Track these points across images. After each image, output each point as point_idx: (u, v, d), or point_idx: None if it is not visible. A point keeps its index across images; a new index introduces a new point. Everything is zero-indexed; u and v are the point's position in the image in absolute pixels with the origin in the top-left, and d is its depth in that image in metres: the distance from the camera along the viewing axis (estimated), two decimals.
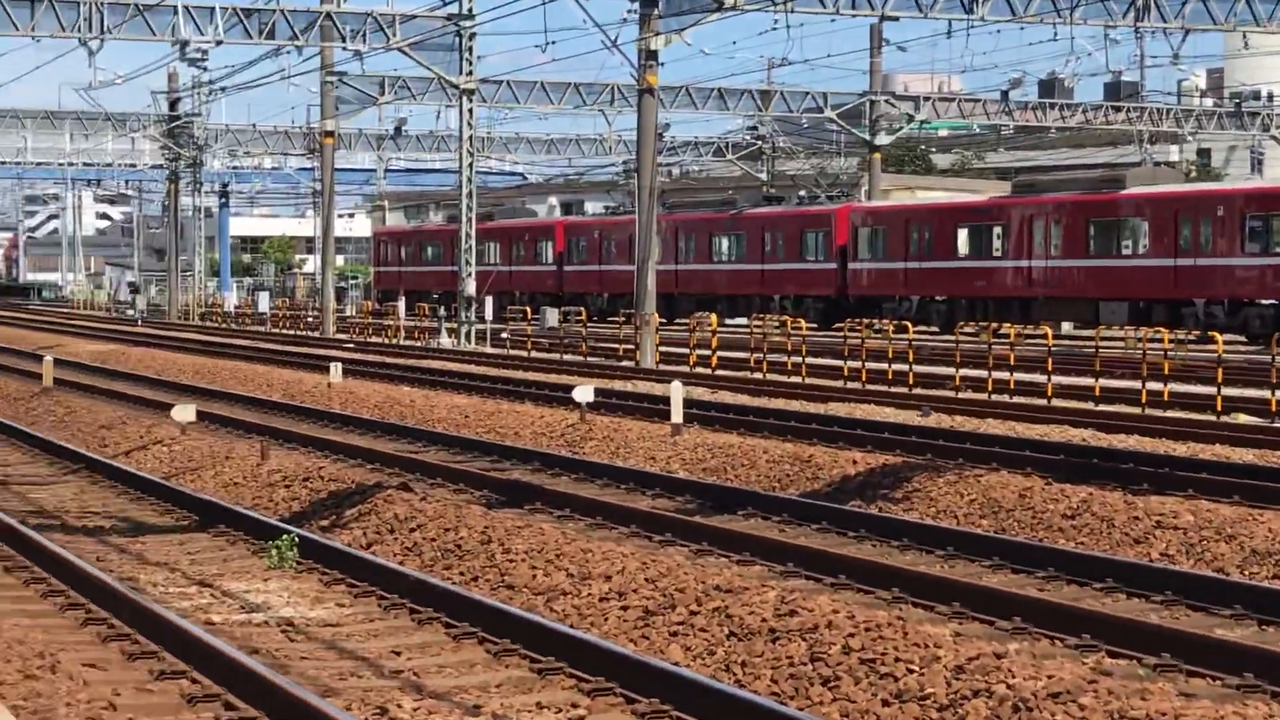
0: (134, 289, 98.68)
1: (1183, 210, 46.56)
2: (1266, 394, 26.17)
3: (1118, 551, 15.12)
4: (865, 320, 38.80)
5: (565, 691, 10.56)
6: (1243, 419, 24.75)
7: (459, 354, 44.83)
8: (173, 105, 75.11)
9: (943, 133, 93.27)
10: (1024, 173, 73.87)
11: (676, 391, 23.99)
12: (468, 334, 49.25)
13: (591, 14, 47.85)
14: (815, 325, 52.46)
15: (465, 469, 20.91)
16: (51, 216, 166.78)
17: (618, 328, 44.35)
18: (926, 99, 67.27)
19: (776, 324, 41.56)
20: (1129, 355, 32.49)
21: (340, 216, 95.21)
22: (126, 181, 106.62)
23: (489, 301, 52.35)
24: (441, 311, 54.44)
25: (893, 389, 30.65)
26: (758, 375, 34.88)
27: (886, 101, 65.30)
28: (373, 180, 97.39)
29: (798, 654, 10.76)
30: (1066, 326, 50.08)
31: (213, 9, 45.17)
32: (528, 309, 52.82)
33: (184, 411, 24.53)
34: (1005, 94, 64.63)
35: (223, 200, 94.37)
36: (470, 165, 50.11)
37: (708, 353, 38.28)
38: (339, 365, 35.08)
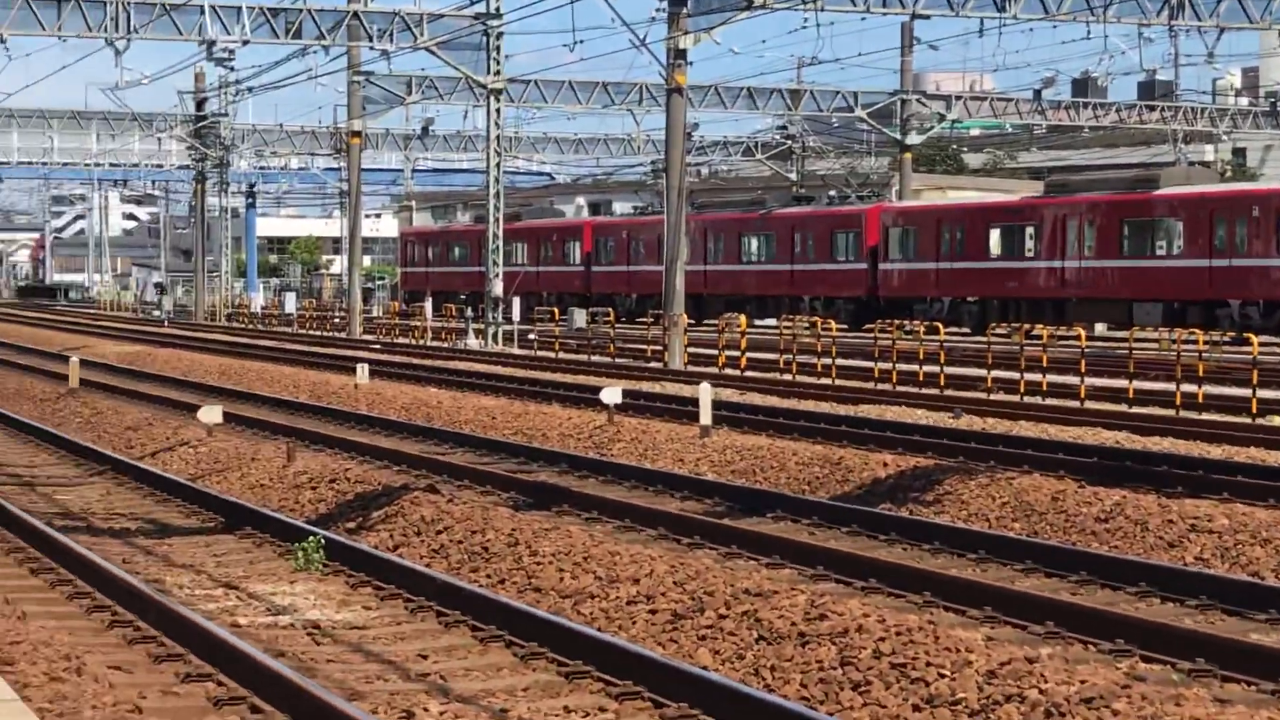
0: (160, 290, 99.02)
1: (1218, 210, 46.40)
2: None
3: (1152, 555, 15.06)
4: (896, 321, 38.73)
5: (593, 695, 10.55)
6: (1278, 421, 24.64)
7: (486, 355, 44.87)
8: (199, 105, 75.33)
9: (974, 132, 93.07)
10: (1057, 173, 73.66)
11: (705, 393, 23.97)
12: (495, 335, 49.29)
13: (620, 12, 47.93)
14: (845, 326, 52.37)
15: (492, 471, 20.93)
16: (78, 217, 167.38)
17: (646, 329, 44.35)
18: (958, 98, 67.13)
19: (806, 325, 41.51)
20: (1163, 357, 32.38)
21: (367, 217, 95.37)
22: (153, 182, 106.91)
23: (516, 302, 52.40)
24: (469, 312, 54.49)
25: (924, 391, 30.58)
26: (787, 377, 34.84)
27: (918, 100, 65.19)
28: (400, 180, 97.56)
29: (828, 658, 10.74)
30: (1100, 328, 49.91)
31: (239, 8, 45.29)
32: (555, 310, 52.86)
33: (210, 413, 24.60)
34: (1038, 93, 64.48)
35: (249, 201, 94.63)
36: (498, 165, 50.16)
37: (737, 354, 38.24)
38: (366, 366, 35.14)
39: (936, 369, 31.92)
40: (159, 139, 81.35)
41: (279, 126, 79.66)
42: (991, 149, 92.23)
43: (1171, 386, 27.33)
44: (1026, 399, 28.68)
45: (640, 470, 20.92)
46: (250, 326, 71.45)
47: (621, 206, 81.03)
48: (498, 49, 48.95)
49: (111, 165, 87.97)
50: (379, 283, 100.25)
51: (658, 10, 40.80)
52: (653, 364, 39.90)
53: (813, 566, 14.50)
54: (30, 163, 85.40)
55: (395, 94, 59.71)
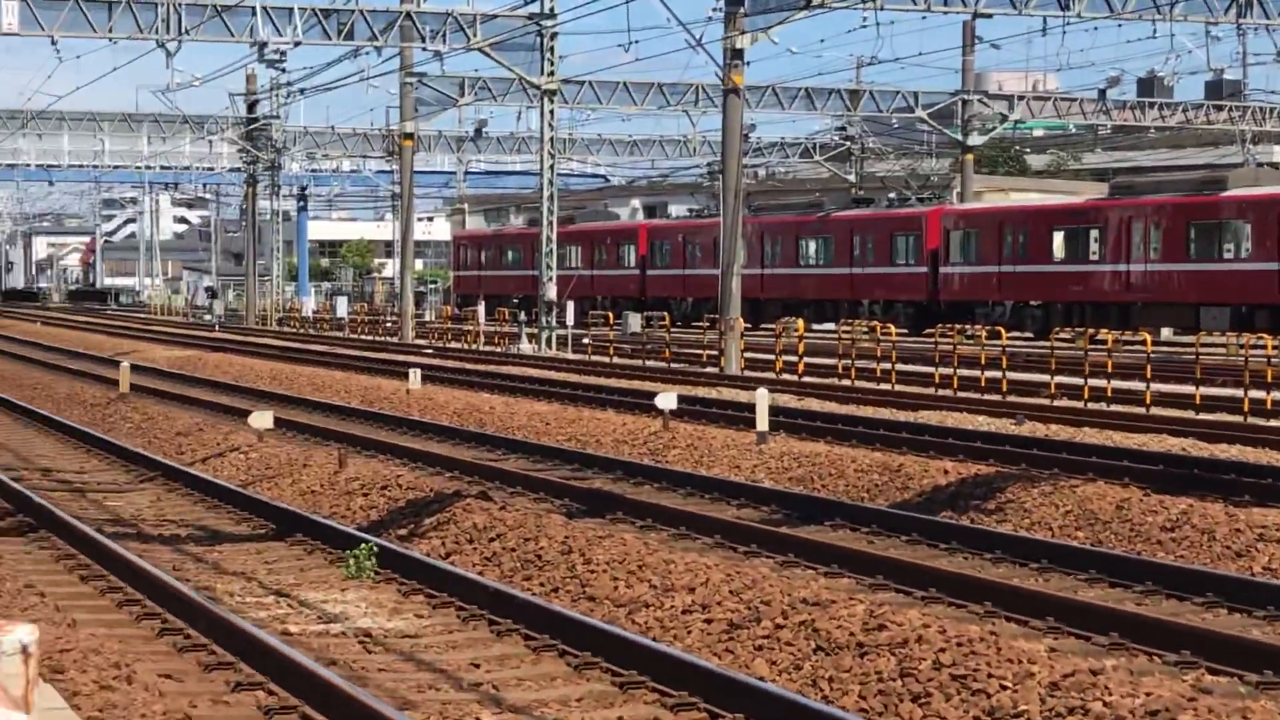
0: (211, 294, 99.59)
1: None
2: None
3: (1219, 565, 14.96)
4: (957, 326, 38.59)
5: (648, 707, 10.56)
6: None
7: (539, 360, 44.95)
8: (251, 107, 75.74)
9: (1038, 133, 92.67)
10: (1122, 174, 73.28)
11: (762, 399, 23.95)
12: (548, 339, 49.37)
13: (675, 12, 47.88)
14: (905, 331, 52.24)
15: (545, 477, 20.96)
16: (129, 220, 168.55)
17: (702, 333, 44.34)
18: (1021, 98, 66.87)
19: (865, 329, 41.41)
20: (1231, 362, 32.16)
21: (419, 220, 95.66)
22: (204, 185, 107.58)
23: (570, 306, 52.46)
24: (522, 316, 54.61)
25: (986, 397, 30.47)
26: (846, 382, 34.77)
27: (979, 101, 64.96)
28: (452, 183, 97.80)
29: (887, 669, 10.72)
30: (1166, 332, 49.61)
31: (291, 10, 45.51)
32: (610, 314, 52.90)
33: (261, 418, 24.73)
34: (1103, 93, 64.15)
35: (301, 203, 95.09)
36: (551, 167, 50.25)
37: (794, 359, 38.19)
38: (418, 371, 35.25)
39: (999, 374, 31.80)
40: (210, 141, 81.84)
41: (331, 129, 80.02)
42: (1055, 150, 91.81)
43: (1239, 392, 27.14)
44: (1091, 405, 28.55)
45: (696, 477, 20.92)
46: (301, 331, 71.79)
47: (677, 209, 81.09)
48: (552, 49, 49.04)
49: (162, 168, 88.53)
50: (431, 286, 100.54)
51: (714, 10, 40.81)
52: (708, 369, 39.88)
53: (872, 576, 14.47)
54: (81, 166, 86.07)
55: (448, 95, 59.89)
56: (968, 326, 40.99)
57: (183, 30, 45.02)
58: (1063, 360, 32.26)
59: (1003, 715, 9.73)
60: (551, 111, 50.11)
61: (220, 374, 42.04)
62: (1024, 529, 17.10)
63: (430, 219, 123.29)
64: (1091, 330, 36.25)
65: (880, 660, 10.85)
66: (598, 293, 71.77)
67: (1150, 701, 9.39)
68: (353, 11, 46.58)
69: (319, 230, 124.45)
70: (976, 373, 32.66)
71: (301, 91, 66.14)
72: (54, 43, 44.51)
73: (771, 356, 39.87)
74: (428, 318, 74.84)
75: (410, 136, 60.79)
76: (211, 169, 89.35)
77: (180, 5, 44.82)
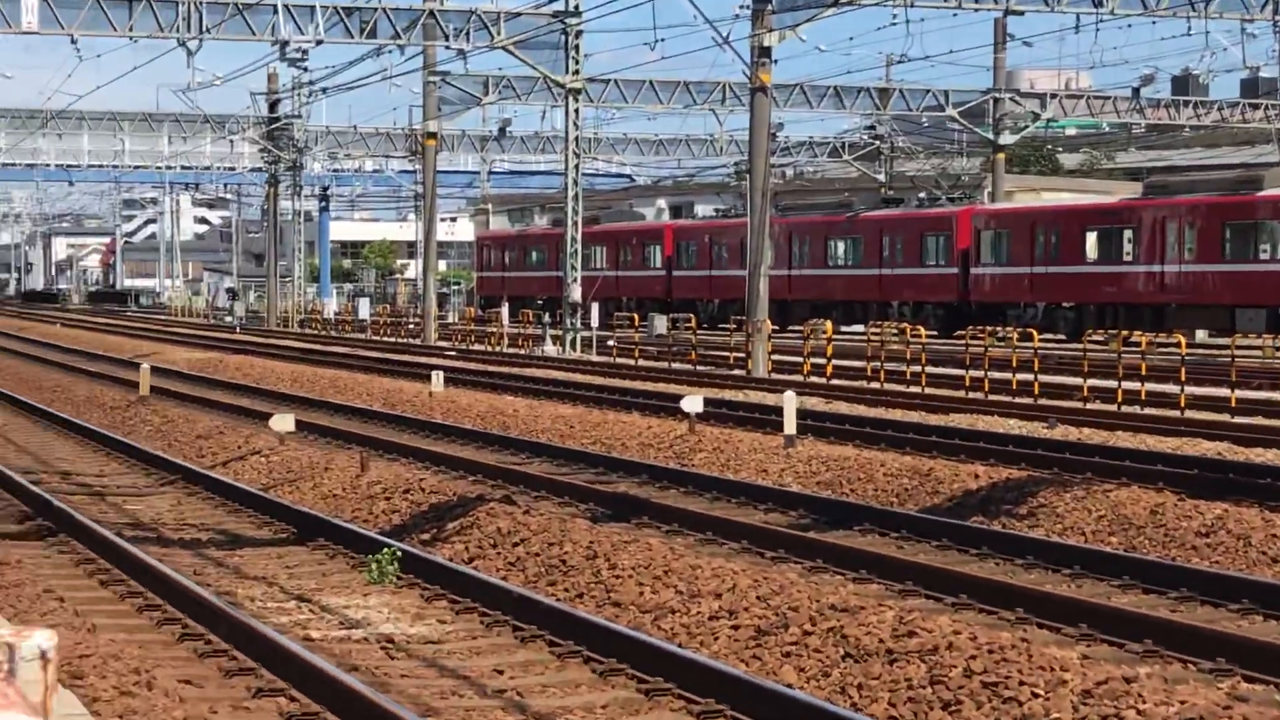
0: (232, 295, 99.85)
1: None
2: None
3: (1255, 571, 14.91)
4: (988, 328, 38.53)
5: (673, 714, 10.56)
6: None
7: (564, 362, 44.98)
8: (272, 107, 75.93)
9: (1070, 131, 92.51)
10: (1156, 173, 73.09)
11: (790, 402, 23.94)
12: (573, 341, 49.40)
13: (702, 9, 47.89)
14: (935, 333, 52.18)
15: (570, 481, 20.97)
16: (149, 221, 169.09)
17: (728, 335, 44.33)
18: (1053, 96, 66.75)
19: (895, 331, 41.36)
20: (1267, 365, 32.06)
21: (442, 220, 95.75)
22: (225, 185, 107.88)
23: (595, 308, 52.48)
24: (546, 318, 54.66)
25: (1017, 400, 30.42)
26: (875, 385, 34.73)
27: (1011, 99, 64.84)
28: (476, 183, 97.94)
29: (917, 676, 10.70)
30: (1201, 334, 49.48)
31: (313, 7, 45.62)
32: (635, 315, 52.91)
33: (282, 421, 24.78)
34: (1136, 91, 63.99)
35: (323, 204, 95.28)
36: (576, 167, 50.29)
37: (822, 361, 38.17)
38: (441, 374, 35.30)
39: (1030, 377, 31.74)
40: (231, 141, 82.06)
41: (353, 128, 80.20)
42: (1088, 149, 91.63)
43: (1276, 395, 27.06)
44: (1124, 408, 28.48)
45: (722, 481, 20.92)
46: (323, 333, 71.95)
47: (703, 209, 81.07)
48: (576, 48, 49.08)
49: (183, 168, 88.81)
50: (455, 288, 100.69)
51: (741, 7, 40.83)
52: (735, 371, 39.87)
53: (901, 581, 14.45)
54: (101, 166, 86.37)
55: (471, 94, 59.99)
56: (999, 328, 40.91)
57: (204, 29, 45.17)
58: (1095, 363, 32.19)
59: None
60: (576, 110, 50.15)
61: (241, 376, 42.14)
62: (1056, 534, 17.06)
63: (454, 219, 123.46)
64: (1125, 332, 36.17)
65: (910, 667, 10.84)
66: (623, 294, 71.79)
67: (1185, 710, 9.36)
68: (375, 9, 46.69)
69: (341, 231, 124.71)
70: (1008, 375, 32.60)
71: (324, 90, 66.35)
72: (74, 41, 44.70)
73: (799, 359, 39.84)
74: (451, 319, 74.95)
75: (433, 136, 60.88)
76: (232, 169, 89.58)
77: (201, 3, 44.98)
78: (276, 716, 10.47)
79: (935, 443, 23.49)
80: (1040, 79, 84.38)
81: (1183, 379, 28.59)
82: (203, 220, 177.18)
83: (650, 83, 61.71)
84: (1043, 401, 29.88)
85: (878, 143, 74.51)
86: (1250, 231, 48.13)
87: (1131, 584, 14.32)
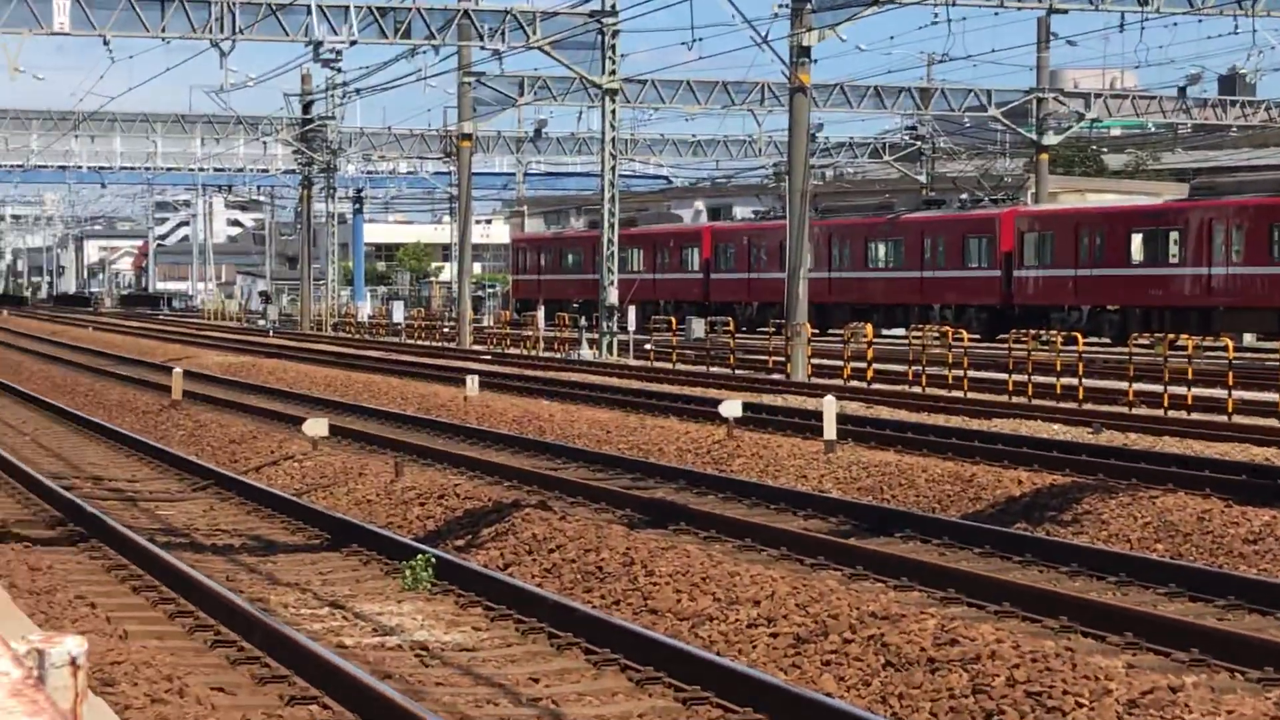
0: (266, 298, 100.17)
1: None
2: None
3: None
4: (1031, 331, 38.41)
5: None
6: None
7: (600, 366, 45.00)
8: (306, 108, 76.16)
9: (1115, 132, 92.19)
10: (1203, 174, 72.80)
11: (830, 406, 23.90)
12: (609, 345, 49.42)
13: (740, 9, 47.84)
14: (978, 336, 52.03)
15: (606, 487, 20.98)
16: (182, 223, 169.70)
17: (767, 339, 44.29)
18: (1098, 96, 66.54)
19: (936, 335, 41.27)
20: None
21: (477, 223, 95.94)
22: (258, 187, 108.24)
23: (632, 311, 52.50)
24: (582, 321, 54.68)
25: (1061, 404, 30.33)
26: (916, 389, 34.67)
27: (1055, 99, 64.65)
28: (511, 185, 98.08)
29: (959, 685, 10.67)
30: (1248, 338, 49.24)
31: (347, 8, 45.74)
32: (673, 319, 52.92)
33: (316, 426, 24.85)
34: (1182, 90, 63.73)
35: (357, 206, 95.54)
36: (613, 168, 50.31)
37: (863, 365, 38.10)
38: (475, 378, 35.35)
39: (1074, 381, 31.64)
40: (264, 143, 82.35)
41: (387, 129, 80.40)
42: (1133, 149, 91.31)
43: None
44: (1170, 413, 28.36)
45: (761, 487, 20.90)
46: (357, 336, 72.13)
47: (742, 211, 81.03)
48: (613, 48, 49.11)
49: (216, 170, 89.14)
50: (490, 291, 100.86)
51: (780, 6, 40.79)
52: (774, 376, 39.83)
53: (943, 589, 14.42)
54: (133, 168, 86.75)
55: (507, 95, 60.07)
56: (1042, 332, 40.80)
57: (237, 29, 45.32)
58: (1141, 367, 32.06)
59: None
60: (613, 111, 50.18)
61: (274, 380, 42.27)
62: (1101, 541, 17.00)
63: (489, 221, 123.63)
64: (1171, 336, 36.03)
65: (952, 676, 10.80)
66: (660, 297, 71.79)
67: None
68: (410, 10, 46.78)
69: (375, 233, 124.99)
70: (1051, 380, 32.50)
71: (357, 92, 66.45)
72: (106, 42, 44.87)
73: (839, 363, 39.79)
74: (486, 323, 75.06)
75: (468, 137, 60.98)
76: (266, 171, 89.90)
77: (234, 4, 45.13)
78: None
79: (978, 448, 23.43)
80: (1084, 78, 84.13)
81: (1230, 383, 28.45)
82: (236, 223, 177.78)
83: (688, 83, 61.71)
84: (1087, 406, 29.77)
85: (919, 143, 74.37)
86: None
87: (1178, 592, 14.26)
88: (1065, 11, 45.27)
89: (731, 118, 72.13)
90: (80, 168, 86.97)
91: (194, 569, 15.13)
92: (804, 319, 39.53)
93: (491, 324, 72.64)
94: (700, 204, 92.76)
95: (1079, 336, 36.70)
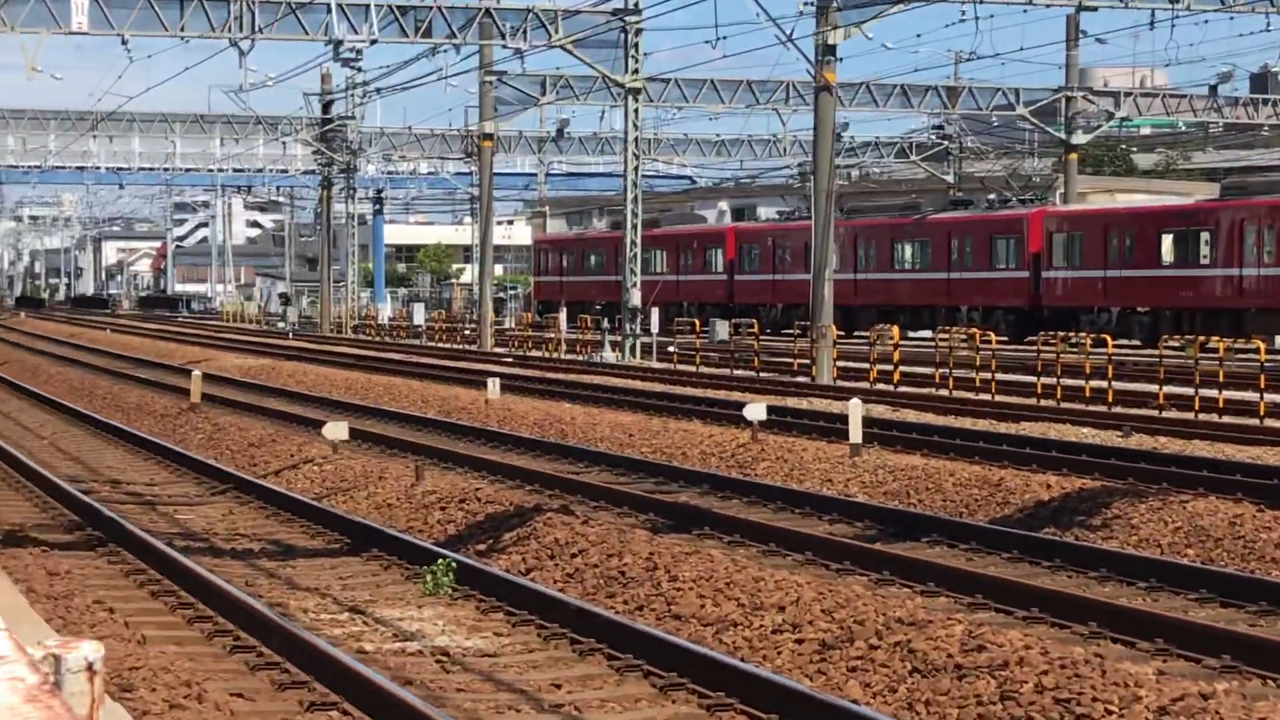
0: (285, 300, 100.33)
1: None
2: None
3: None
4: (1060, 333, 38.34)
5: None
6: None
7: (623, 369, 45.01)
8: (325, 108, 76.29)
9: (1145, 131, 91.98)
10: (1234, 174, 72.61)
11: (855, 409, 23.88)
12: (632, 347, 49.43)
13: (765, 7, 47.86)
14: (1005, 338, 51.95)
15: (629, 491, 20.98)
16: (200, 225, 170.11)
17: (792, 341, 44.27)
18: (1127, 95, 66.41)
19: (963, 337, 41.21)
20: None
21: (499, 223, 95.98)
22: (278, 188, 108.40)
23: (655, 313, 52.48)
24: (605, 323, 54.70)
25: (1090, 407, 30.26)
26: (943, 392, 34.62)
27: (1084, 97, 64.54)
28: (533, 185, 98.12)
29: (986, 692, 10.65)
30: None
31: (367, 6, 45.80)
32: (696, 321, 52.91)
33: (336, 429, 24.89)
34: (1213, 89, 63.59)
35: (377, 207, 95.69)
36: (636, 168, 50.33)
37: (889, 368, 38.06)
38: (497, 381, 35.38)
39: (1104, 384, 31.57)
40: (284, 143, 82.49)
41: (408, 129, 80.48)
42: (1163, 149, 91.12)
43: None
44: (1201, 416, 28.29)
45: (786, 491, 20.88)
46: (377, 339, 72.23)
47: (766, 211, 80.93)
48: (636, 46, 49.12)
49: (235, 170, 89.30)
50: (511, 292, 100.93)
51: (805, 4, 40.75)
52: (799, 378, 39.81)
53: (970, 595, 14.40)
54: (152, 168, 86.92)
55: (529, 94, 60.09)
56: (1071, 334, 40.72)
57: (256, 28, 45.41)
58: (1171, 369, 31.99)
59: None
60: (636, 110, 50.18)
61: (294, 383, 42.35)
62: (1131, 546, 16.96)
63: (510, 222, 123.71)
64: (1202, 338, 35.94)
65: (979, 683, 10.79)
66: (683, 299, 71.79)
67: None
68: (430, 8, 46.82)
69: (395, 234, 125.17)
70: (1080, 382, 32.44)
71: (378, 91, 66.58)
72: (124, 42, 44.98)
73: (865, 365, 39.75)
74: (507, 325, 75.12)
75: (489, 137, 61.04)
76: (285, 171, 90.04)
77: (254, 3, 45.21)
78: None
79: (1006, 452, 23.40)
80: (1114, 77, 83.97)
81: (1262, 386, 28.37)
82: (255, 224, 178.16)
83: (711, 82, 61.68)
84: (1117, 409, 29.71)
85: (946, 143, 74.27)
86: None
87: (1209, 597, 14.23)
88: (1095, 9, 45.17)
89: (756, 117, 71.91)
90: (98, 168, 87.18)
91: (213, 573, 15.16)
92: (829, 321, 39.50)
93: (513, 326, 72.69)
94: (724, 204, 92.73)
95: (1108, 338, 36.62)
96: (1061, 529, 17.92)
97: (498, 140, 65.47)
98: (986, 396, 33.17)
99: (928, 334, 53.46)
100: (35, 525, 19.61)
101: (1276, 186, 51.61)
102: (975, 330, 43.42)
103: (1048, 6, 45.21)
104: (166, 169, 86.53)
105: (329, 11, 45.63)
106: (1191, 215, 52.62)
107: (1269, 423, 26.68)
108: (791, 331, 46.41)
